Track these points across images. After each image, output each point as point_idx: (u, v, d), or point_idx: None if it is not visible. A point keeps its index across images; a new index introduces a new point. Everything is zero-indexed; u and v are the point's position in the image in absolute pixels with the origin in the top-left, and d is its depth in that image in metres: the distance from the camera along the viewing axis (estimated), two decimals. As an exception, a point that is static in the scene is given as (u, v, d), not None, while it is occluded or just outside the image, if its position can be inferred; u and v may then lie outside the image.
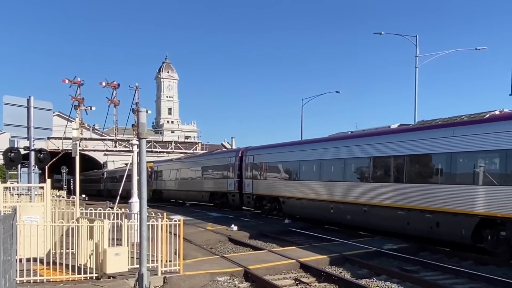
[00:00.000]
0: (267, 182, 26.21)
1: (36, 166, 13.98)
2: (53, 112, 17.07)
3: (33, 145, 13.61)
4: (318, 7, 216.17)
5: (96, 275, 10.31)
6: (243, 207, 30.99)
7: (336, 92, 52.47)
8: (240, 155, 29.39)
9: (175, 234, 11.60)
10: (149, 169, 46.54)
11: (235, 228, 21.15)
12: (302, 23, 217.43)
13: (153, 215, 11.75)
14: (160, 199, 46.16)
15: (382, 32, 33.96)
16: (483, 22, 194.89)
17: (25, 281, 9.61)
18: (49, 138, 24.74)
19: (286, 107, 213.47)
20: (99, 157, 65.68)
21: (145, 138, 9.26)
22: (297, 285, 11.33)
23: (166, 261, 11.24)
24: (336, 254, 14.15)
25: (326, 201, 20.77)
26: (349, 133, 22.24)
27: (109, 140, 66.21)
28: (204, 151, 40.83)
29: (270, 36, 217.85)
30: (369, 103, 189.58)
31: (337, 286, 11.01)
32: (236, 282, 11.51)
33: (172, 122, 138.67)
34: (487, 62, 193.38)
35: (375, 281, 11.40)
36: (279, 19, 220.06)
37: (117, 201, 19.99)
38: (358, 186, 19.53)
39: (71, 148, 24.46)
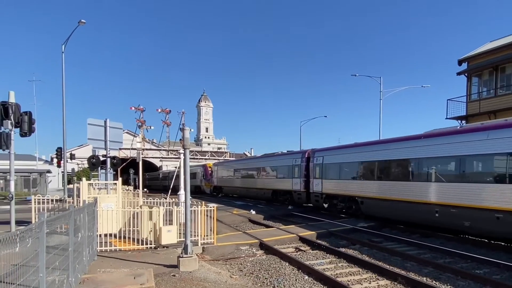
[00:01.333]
0: (341, 181, 19.32)
1: (111, 169, 14.17)
2: (123, 130, 17.30)
3: (109, 153, 13.67)
4: (315, 59, 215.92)
5: (154, 245, 10.47)
6: (309, 204, 23.66)
7: (324, 116, 59.69)
8: (306, 156, 23.02)
9: (210, 217, 11.70)
10: (209, 169, 43.15)
11: (253, 212, 21.17)
12: (302, 68, 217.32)
13: (195, 203, 11.91)
14: (220, 194, 40.53)
15: (357, 74, 36.63)
16: (428, 67, 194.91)
17: (103, 250, 9.81)
18: (120, 149, 25.25)
19: (287, 126, 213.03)
20: (156, 162, 66.81)
21: (188, 149, 9.37)
22: (297, 251, 11.35)
23: (204, 235, 11.32)
24: (324, 230, 14.14)
25: (430, 203, 13.05)
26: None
27: (163, 150, 67.34)
28: (264, 154, 33.71)
29: (274, 75, 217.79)
30: (348, 124, 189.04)
31: (324, 252, 11.10)
32: (254, 250, 11.58)
33: (208, 137, 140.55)
34: (431, 95, 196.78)
35: (351, 249, 11.54)
36: (282, 62, 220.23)
37: (169, 193, 20.19)
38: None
39: (136, 156, 24.78)
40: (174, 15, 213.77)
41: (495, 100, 22.18)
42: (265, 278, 8.51)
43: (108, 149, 13.45)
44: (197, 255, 9.47)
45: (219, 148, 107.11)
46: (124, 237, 11.15)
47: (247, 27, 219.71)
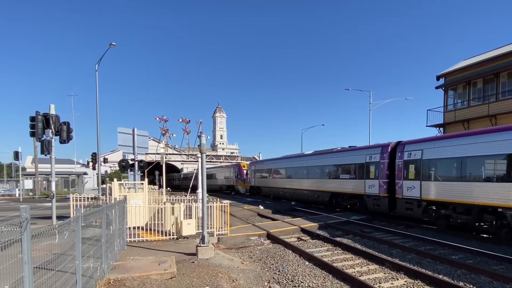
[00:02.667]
0: (460, 184, 11.34)
1: (139, 171, 14.23)
2: (149, 137, 17.41)
3: (136, 158, 13.72)
4: (315, 74, 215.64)
5: (176, 236, 10.48)
6: (395, 213, 15.17)
7: (322, 125, 62.74)
8: (389, 151, 15.20)
9: (224, 211, 11.70)
10: (244, 168, 36.64)
11: (261, 207, 21.05)
12: (302, 82, 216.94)
13: (211, 199, 11.89)
14: (258, 194, 31.91)
15: (350, 89, 36.65)
16: (411, 81, 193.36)
17: (132, 241, 9.84)
18: (146, 154, 25.39)
19: (289, 133, 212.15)
20: (178, 165, 67.06)
21: (205, 153, 9.42)
22: (299, 241, 11.24)
23: (219, 227, 11.31)
24: (322, 222, 13.98)
25: None
26: None
27: (183, 154, 67.79)
28: (316, 151, 24.06)
29: (278, 86, 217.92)
30: (342, 131, 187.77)
31: (322, 241, 10.97)
32: (262, 240, 11.51)
33: (223, 143, 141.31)
34: (413, 106, 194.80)
35: (345, 238, 11.38)
36: (284, 77, 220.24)
37: (189, 192, 20.24)
38: None
39: (160, 159, 24.87)
40: (193, 36, 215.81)
41: (468, 110, 22.48)
42: (272, 264, 8.46)
43: (136, 154, 13.52)
44: (213, 244, 9.49)
45: (232, 153, 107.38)
46: (150, 230, 11.18)
47: (256, 46, 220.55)
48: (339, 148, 20.40)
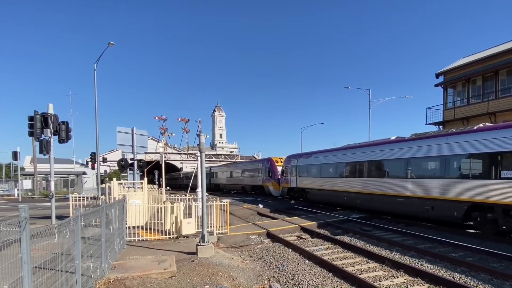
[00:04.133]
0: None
1: (138, 170, 14.21)
2: (148, 137, 17.39)
3: (135, 157, 13.67)
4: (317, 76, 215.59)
5: (176, 236, 10.48)
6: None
7: (321, 123, 62.00)
8: None
9: (224, 210, 11.71)
10: (277, 164, 28.13)
11: (261, 206, 21.04)
12: (301, 82, 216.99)
13: (211, 198, 11.91)
14: (301, 199, 23.11)
15: (349, 87, 36.68)
16: (410, 79, 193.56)
17: (132, 240, 9.84)
18: (146, 153, 25.39)
19: (289, 132, 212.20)
20: (177, 164, 66.93)
21: (204, 152, 9.38)
22: (299, 239, 11.25)
23: (219, 226, 11.31)
24: (322, 221, 13.98)
25: None
26: None
27: (183, 153, 67.85)
28: (416, 134, 13.84)
29: (277, 88, 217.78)
30: (342, 130, 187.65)
31: (322, 240, 10.99)
32: (262, 239, 11.52)
33: (222, 142, 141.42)
34: (412, 104, 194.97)
35: (345, 236, 11.41)
36: (284, 78, 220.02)
37: (188, 191, 20.22)
38: None
39: (159, 159, 24.86)
40: (193, 37, 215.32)
41: (468, 108, 22.54)
42: (271, 263, 8.48)
43: (135, 153, 13.45)
44: (213, 243, 9.50)
45: (231, 152, 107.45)
46: (150, 229, 11.18)
47: (256, 48, 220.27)
48: (466, 129, 11.95)
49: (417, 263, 7.96)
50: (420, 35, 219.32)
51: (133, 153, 13.35)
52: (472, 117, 21.76)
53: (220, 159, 70.32)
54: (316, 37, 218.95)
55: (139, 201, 11.73)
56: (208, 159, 66.01)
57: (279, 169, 27.29)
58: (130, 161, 14.12)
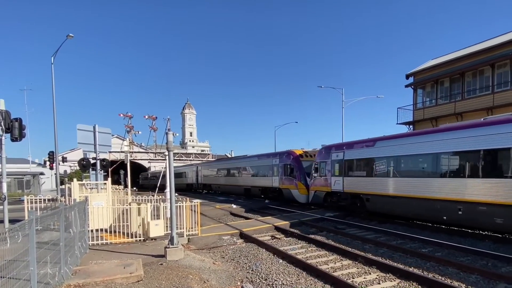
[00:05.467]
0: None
1: (101, 170, 13.72)
2: (113, 135, 16.76)
3: (98, 156, 13.28)
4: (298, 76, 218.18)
5: (143, 238, 10.23)
6: None
7: (295, 122, 57.43)
8: None
9: (195, 211, 11.55)
10: (301, 158, 21.05)
11: (234, 206, 21.02)
12: (276, 78, 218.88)
13: (180, 199, 11.73)
14: (349, 210, 16.06)
15: (322, 86, 36.78)
16: (382, 79, 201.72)
17: (95, 244, 9.49)
18: (110, 152, 24.45)
19: (263, 130, 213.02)
20: (145, 163, 65.15)
21: (172, 151, 9.15)
22: (273, 239, 11.36)
23: (189, 228, 11.16)
24: (296, 220, 14.21)
25: None
26: None
27: (151, 152, 66.18)
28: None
29: (253, 85, 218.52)
30: (316, 128, 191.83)
31: (296, 239, 11.18)
32: (235, 239, 11.50)
33: (193, 141, 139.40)
34: (384, 104, 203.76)
35: (319, 235, 11.69)
36: (258, 73, 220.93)
37: (156, 191, 19.73)
38: None
39: (124, 158, 24.00)
40: (160, 28, 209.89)
41: (436, 108, 23.96)
42: (245, 263, 8.48)
43: (98, 152, 13.03)
44: (182, 245, 9.33)
45: (202, 151, 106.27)
46: (115, 232, 10.79)
47: (228, 40, 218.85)
48: None
49: (389, 259, 8.31)
50: (392, 33, 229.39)
51: (95, 152, 12.94)
52: (440, 117, 23.20)
53: (191, 158, 69.38)
54: (291, 34, 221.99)
55: (103, 202, 11.31)
56: (178, 158, 64.99)
57: (306, 166, 20.24)
58: (92, 161, 13.56)
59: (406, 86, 26.28)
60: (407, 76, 26.41)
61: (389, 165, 13.43)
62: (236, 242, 11.14)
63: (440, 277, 6.91)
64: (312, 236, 11.20)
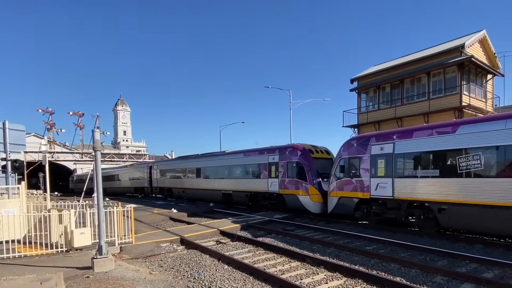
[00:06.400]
0: None
1: (14, 172, 12.45)
2: (30, 133, 15.21)
3: (9, 157, 12.27)
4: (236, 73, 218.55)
5: (66, 249, 9.45)
6: None
7: (242, 122, 58.36)
8: None
9: (128, 217, 10.95)
10: (314, 157, 17.28)
11: (175, 211, 20.38)
12: (222, 76, 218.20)
13: (111, 204, 11.05)
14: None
15: (269, 86, 36.69)
16: (330, 83, 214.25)
17: (5, 257, 8.53)
18: (26, 152, 21.87)
19: (207, 130, 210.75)
20: (70, 165, 59.89)
21: (99, 151, 8.54)
22: (218, 244, 11.27)
23: (122, 235, 10.59)
24: (244, 223, 14.34)
25: None
26: None
27: (76, 153, 61.05)
28: None
29: (193, 82, 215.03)
30: (264, 129, 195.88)
31: (243, 243, 11.25)
32: (175, 246, 11.16)
33: (127, 140, 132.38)
34: (330, 106, 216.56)
35: (267, 238, 11.94)
36: (200, 69, 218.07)
37: (82, 196, 18.20)
38: None
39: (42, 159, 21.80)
40: (90, 18, 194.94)
41: (378, 112, 26.30)
42: (186, 271, 8.25)
43: (8, 152, 12.09)
44: (114, 255, 8.88)
45: (138, 151, 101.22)
46: (30, 243, 9.82)
47: (166, 31, 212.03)
48: None
49: (336, 258, 8.80)
50: (340, 37, 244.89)
51: (5, 151, 12.03)
52: (382, 121, 25.61)
53: (125, 159, 65.65)
54: (238, 29, 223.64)
55: (15, 209, 10.22)
56: (109, 159, 61.23)
57: (321, 165, 16.93)
58: (2, 162, 12.30)
59: (351, 90, 28.34)
60: (352, 81, 28.53)
61: (489, 159, 9.79)
62: (176, 249, 10.81)
63: (383, 273, 7.48)
64: (260, 239, 11.37)
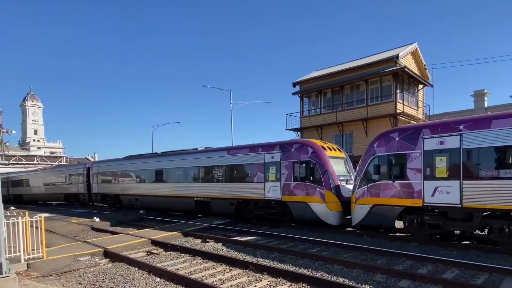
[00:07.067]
0: None
1: None
2: None
3: None
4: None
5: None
6: None
7: (178, 122, 57.30)
8: None
9: (38, 228, 9.72)
10: (330, 154, 14.63)
11: (97, 219, 18.80)
12: (154, 74, 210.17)
13: (15, 214, 9.70)
14: None
15: (208, 86, 36.37)
16: (272, 85, 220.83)
17: None
18: None
19: (138, 131, 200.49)
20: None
21: None
22: (149, 255, 10.57)
23: (31, 250, 9.36)
24: (180, 231, 13.82)
25: None
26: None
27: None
28: None
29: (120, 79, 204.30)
30: (203, 129, 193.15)
31: (179, 252, 10.76)
32: (97, 259, 10.18)
33: (39, 140, 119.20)
34: (274, 109, 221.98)
35: (207, 245, 11.60)
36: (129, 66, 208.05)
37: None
38: None
39: None
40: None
41: (321, 117, 27.80)
42: (110, 287, 7.48)
43: None
44: (19, 273, 7.95)
45: (52, 153, 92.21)
46: None
47: (96, 30, 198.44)
48: None
49: (280, 263, 8.79)
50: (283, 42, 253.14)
51: None
52: (324, 125, 26.97)
53: (36, 162, 59.24)
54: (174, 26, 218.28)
55: None
56: (14, 162, 54.65)
57: (336, 166, 14.54)
58: None
59: (293, 94, 29.39)
60: (294, 84, 29.66)
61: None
62: (98, 262, 9.88)
63: (327, 275, 7.66)
64: (198, 248, 10.98)
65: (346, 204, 13.15)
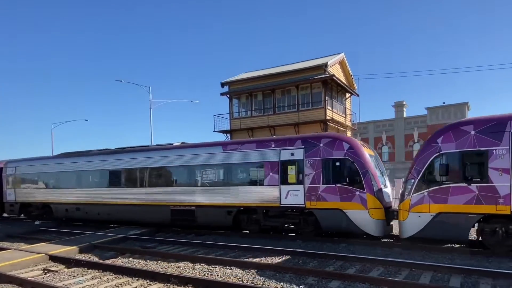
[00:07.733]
0: None
1: None
2: None
3: None
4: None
5: None
6: None
7: (85, 120, 57.64)
8: None
9: None
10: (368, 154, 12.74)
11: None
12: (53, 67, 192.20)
13: None
14: None
15: (122, 80, 33.39)
16: (197, 84, 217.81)
17: None
18: None
19: (36, 129, 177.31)
20: None
21: None
22: (46, 273, 9.17)
23: None
24: (86, 244, 12.39)
25: None
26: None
27: None
28: None
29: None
30: (117, 129, 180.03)
31: (85, 268, 9.57)
32: (-27, 283, 8.47)
33: None
34: (199, 110, 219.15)
35: (120, 259, 10.64)
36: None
37: None
38: None
39: None
40: None
41: (251, 119, 28.33)
42: (-9, 317, 6.21)
43: None
44: None
45: None
46: None
47: None
48: None
49: (208, 274, 8.33)
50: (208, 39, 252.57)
51: None
52: (256, 128, 27.24)
53: None
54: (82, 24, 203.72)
55: None
56: None
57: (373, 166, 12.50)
58: None
59: (222, 94, 29.23)
60: (222, 85, 29.56)
61: None
62: (-25, 287, 8.22)
63: (259, 282, 7.49)
64: (110, 262, 9.92)
65: (387, 212, 11.64)
